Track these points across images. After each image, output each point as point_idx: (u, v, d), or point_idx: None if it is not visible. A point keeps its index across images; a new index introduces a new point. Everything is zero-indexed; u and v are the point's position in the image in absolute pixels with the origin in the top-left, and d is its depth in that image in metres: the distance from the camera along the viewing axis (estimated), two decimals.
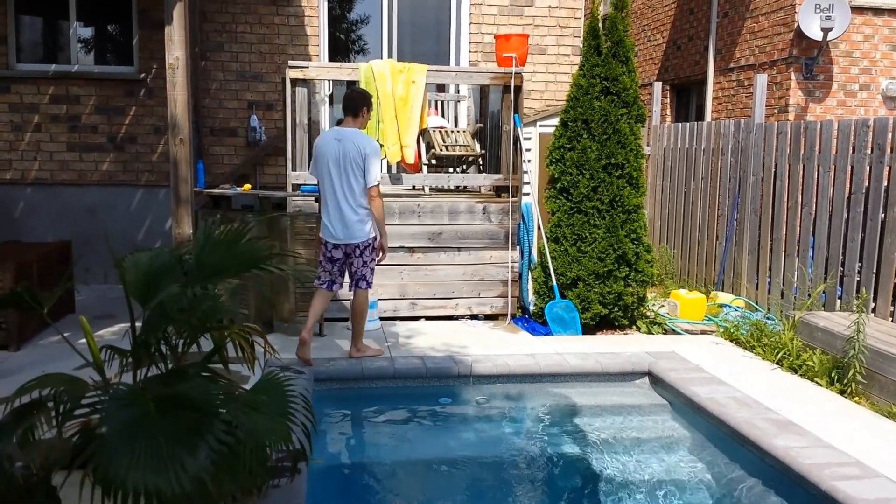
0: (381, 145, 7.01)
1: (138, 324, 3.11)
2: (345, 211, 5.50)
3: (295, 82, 6.95)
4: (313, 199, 6.61)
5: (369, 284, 5.71)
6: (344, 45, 9.57)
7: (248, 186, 7.09)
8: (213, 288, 3.16)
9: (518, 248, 7.24)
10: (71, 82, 8.52)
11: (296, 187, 6.95)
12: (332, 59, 9.06)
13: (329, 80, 8.71)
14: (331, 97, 9.13)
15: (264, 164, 8.89)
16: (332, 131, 5.87)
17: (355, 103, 5.63)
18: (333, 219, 5.55)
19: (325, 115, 9.03)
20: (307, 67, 7.05)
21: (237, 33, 8.73)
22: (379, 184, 5.55)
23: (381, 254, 5.73)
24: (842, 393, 5.20)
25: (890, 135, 5.97)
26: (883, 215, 6.03)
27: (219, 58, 8.73)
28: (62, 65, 8.60)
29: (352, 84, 7.94)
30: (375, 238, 5.64)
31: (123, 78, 8.60)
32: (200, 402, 2.74)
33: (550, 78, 9.31)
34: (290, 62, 7.06)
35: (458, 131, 7.87)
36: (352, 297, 5.76)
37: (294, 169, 7.01)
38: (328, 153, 5.51)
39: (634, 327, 6.98)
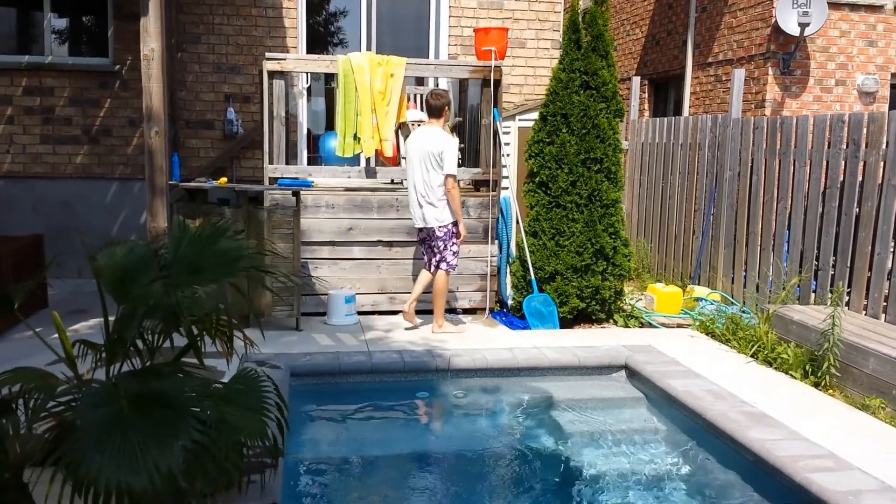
0: (359, 138, 6.99)
1: (113, 318, 3.07)
2: (423, 199, 6.25)
3: (272, 74, 6.90)
4: (290, 192, 6.57)
5: (450, 266, 6.39)
6: (322, 38, 9.51)
7: (224, 180, 7.02)
8: (192, 287, 3.12)
9: (497, 242, 7.24)
10: (45, 74, 8.41)
11: (273, 181, 6.90)
12: (310, 51, 9.01)
13: (307, 73, 8.65)
14: (308, 90, 9.08)
15: (241, 157, 8.83)
16: (418, 130, 6.56)
17: (435, 109, 6.35)
18: (414, 205, 6.35)
19: (302, 107, 8.98)
20: (285, 60, 7.00)
21: (214, 25, 8.66)
22: (455, 175, 6.17)
23: (458, 238, 6.38)
24: (816, 385, 5.25)
25: (865, 130, 6.03)
26: (857, 210, 6.09)
27: (195, 49, 8.65)
28: (36, 56, 8.48)
29: (330, 77, 7.90)
30: (455, 223, 6.30)
31: (98, 69, 8.50)
32: (175, 399, 2.72)
33: (530, 72, 9.31)
34: (268, 54, 7.01)
35: None
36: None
37: (271, 162, 6.96)
38: (415, 149, 6.28)
39: (612, 321, 7.01)
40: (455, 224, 6.30)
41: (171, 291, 2.96)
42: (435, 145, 6.15)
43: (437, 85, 9.07)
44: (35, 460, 2.81)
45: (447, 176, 6.13)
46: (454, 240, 6.34)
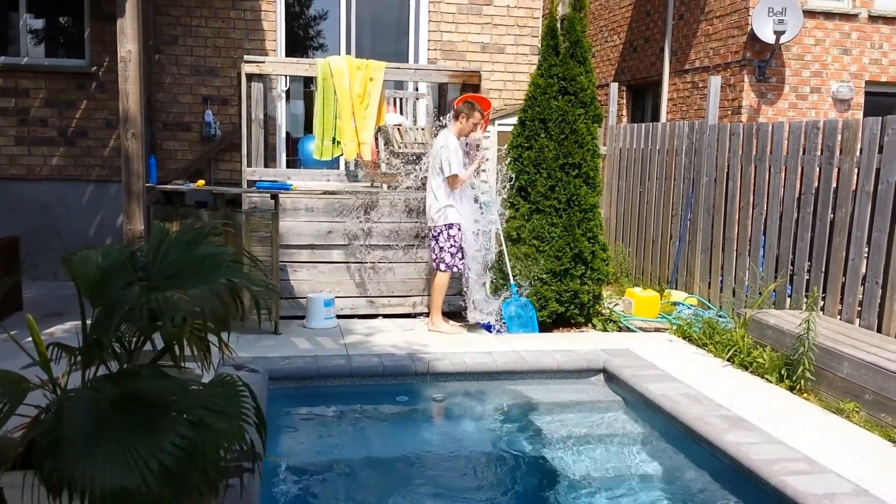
0: (338, 142, 6.98)
1: (89, 321, 3.04)
2: (428, 199, 6.65)
3: (251, 77, 6.87)
4: (269, 195, 6.54)
5: (447, 267, 6.57)
6: (302, 41, 9.49)
7: (202, 182, 6.98)
8: (172, 293, 3.10)
9: None
10: (20, 75, 8.33)
11: (251, 183, 6.87)
12: (289, 54, 8.98)
13: (286, 76, 8.63)
14: (287, 93, 9.05)
15: (219, 159, 8.79)
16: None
17: (455, 112, 6.67)
18: (425, 205, 6.75)
19: (281, 110, 8.95)
20: (263, 62, 6.98)
21: (192, 27, 8.61)
22: (456, 175, 6.44)
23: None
24: (791, 389, 5.31)
25: (839, 137, 6.10)
26: (832, 216, 6.17)
27: (173, 51, 8.60)
28: (11, 57, 8.40)
29: (309, 80, 7.88)
30: (450, 226, 6.52)
31: (74, 71, 8.43)
32: (156, 399, 2.71)
33: (509, 77, 9.34)
34: (246, 57, 6.99)
35: (417, 129, 7.85)
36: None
37: (249, 165, 6.93)
38: (431, 151, 6.76)
39: (590, 325, 7.04)
40: (449, 227, 6.52)
41: (150, 294, 2.93)
42: (438, 150, 6.53)
43: (417, 88, 9.08)
44: (7, 466, 2.77)
45: (449, 177, 6.44)
46: (451, 242, 6.52)
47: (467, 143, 6.79)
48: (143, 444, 2.49)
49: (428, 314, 7.07)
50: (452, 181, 6.47)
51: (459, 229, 6.57)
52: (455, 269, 6.63)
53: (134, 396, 2.69)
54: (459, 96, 7.31)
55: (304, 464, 4.44)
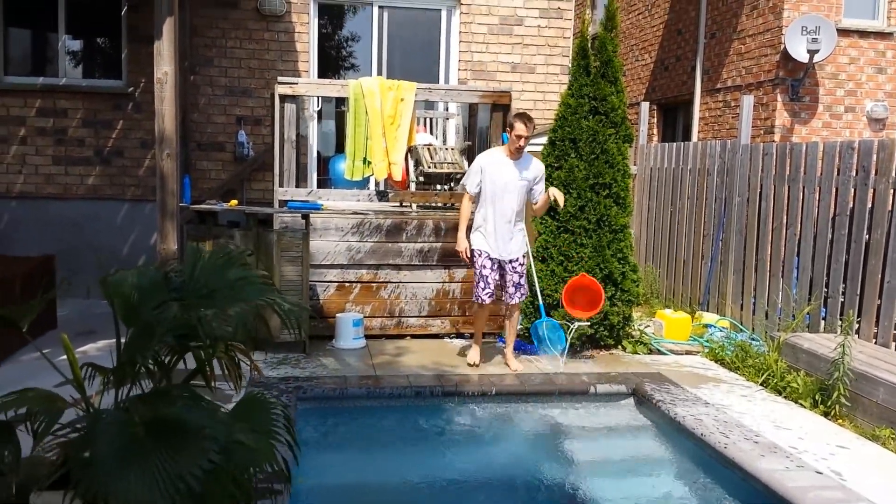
0: (369, 161, 7.03)
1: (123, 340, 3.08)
2: None
3: (284, 98, 6.95)
4: (300, 215, 6.60)
5: (475, 296, 6.20)
6: (334, 62, 9.59)
7: (234, 202, 7.05)
8: (204, 311, 3.14)
9: None
10: (58, 95, 8.50)
11: (283, 203, 6.93)
12: (321, 75, 9.08)
13: (318, 97, 8.71)
14: (319, 113, 9.14)
15: (251, 179, 8.88)
16: None
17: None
18: None
19: (313, 130, 9.04)
20: (296, 83, 7.05)
21: (227, 48, 8.74)
22: (466, 191, 6.17)
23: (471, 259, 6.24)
24: (825, 415, 5.21)
25: (874, 157, 6.02)
26: (867, 237, 6.07)
27: (208, 73, 8.73)
28: (50, 77, 8.58)
29: (340, 100, 7.96)
30: (472, 252, 6.17)
31: (111, 91, 8.58)
32: (188, 422, 2.74)
33: (539, 97, 9.35)
34: (280, 78, 7.07)
35: (447, 149, 7.88)
36: None
37: (281, 185, 6.99)
38: None
39: (620, 347, 6.98)
40: (472, 252, 6.16)
41: (189, 313, 2.98)
42: None
43: (447, 108, 9.12)
44: (42, 485, 2.81)
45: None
46: (476, 269, 6.15)
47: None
48: (172, 466, 2.52)
49: (459, 335, 7.07)
50: (460, 197, 6.35)
51: (488, 257, 6.05)
52: (478, 300, 6.14)
53: (166, 419, 2.72)
54: (491, 114, 7.33)
55: (331, 485, 4.44)
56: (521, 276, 6.16)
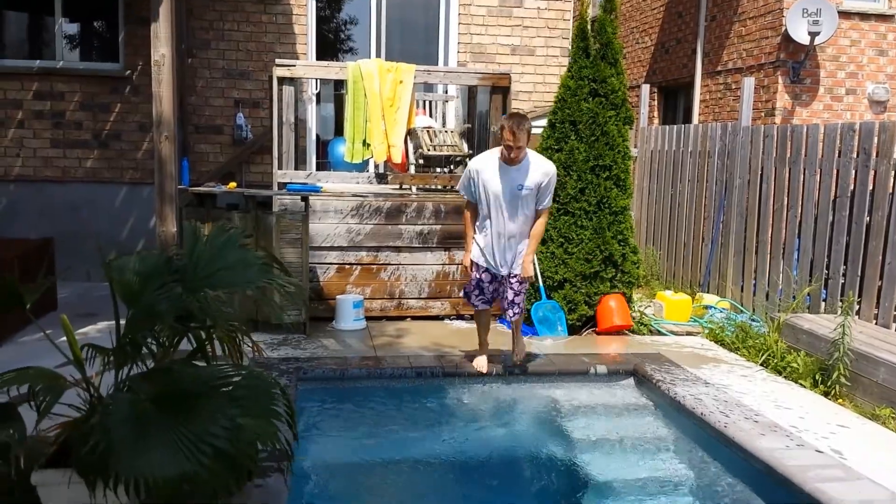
0: (368, 144, 7.00)
1: (123, 322, 3.08)
2: None
3: (282, 81, 6.91)
4: (299, 197, 6.58)
5: (468, 300, 5.63)
6: (332, 45, 9.54)
7: (233, 185, 7.03)
8: (204, 294, 3.13)
9: None
10: (55, 78, 8.45)
11: (282, 185, 6.91)
12: (319, 57, 9.03)
13: (316, 79, 8.67)
14: (318, 96, 9.10)
15: (250, 162, 8.85)
16: None
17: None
18: None
19: (311, 113, 9.00)
20: (294, 66, 7.02)
21: (224, 31, 8.69)
22: (465, 197, 5.47)
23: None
24: (826, 395, 5.22)
25: (875, 139, 6.01)
26: (868, 218, 6.06)
27: (205, 55, 8.68)
28: (47, 61, 8.53)
29: (339, 83, 7.92)
30: (475, 267, 5.49)
31: (109, 74, 8.54)
32: (196, 387, 2.78)
33: (539, 79, 9.31)
34: (278, 60, 7.04)
35: (446, 131, 7.85)
36: None
37: (280, 167, 6.97)
38: None
39: None
40: (472, 264, 5.53)
41: (190, 294, 2.98)
42: None
43: (446, 91, 9.08)
44: (42, 463, 2.81)
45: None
46: (471, 276, 5.55)
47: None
48: (192, 430, 2.56)
49: (459, 317, 7.08)
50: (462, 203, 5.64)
51: (485, 271, 5.42)
52: (471, 304, 5.62)
53: (173, 390, 2.73)
54: (491, 97, 7.29)
55: (331, 465, 4.45)
56: (516, 294, 5.43)
